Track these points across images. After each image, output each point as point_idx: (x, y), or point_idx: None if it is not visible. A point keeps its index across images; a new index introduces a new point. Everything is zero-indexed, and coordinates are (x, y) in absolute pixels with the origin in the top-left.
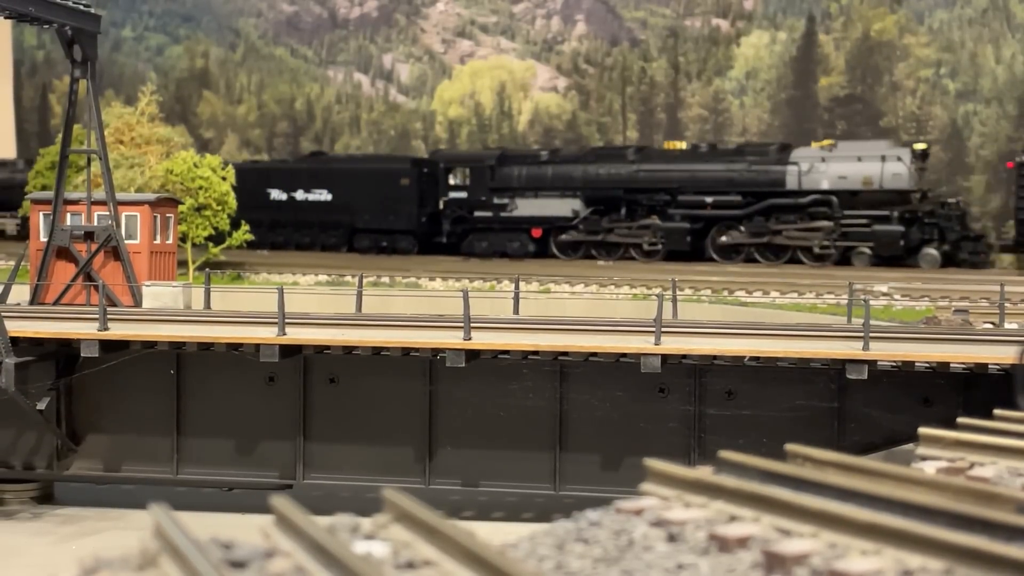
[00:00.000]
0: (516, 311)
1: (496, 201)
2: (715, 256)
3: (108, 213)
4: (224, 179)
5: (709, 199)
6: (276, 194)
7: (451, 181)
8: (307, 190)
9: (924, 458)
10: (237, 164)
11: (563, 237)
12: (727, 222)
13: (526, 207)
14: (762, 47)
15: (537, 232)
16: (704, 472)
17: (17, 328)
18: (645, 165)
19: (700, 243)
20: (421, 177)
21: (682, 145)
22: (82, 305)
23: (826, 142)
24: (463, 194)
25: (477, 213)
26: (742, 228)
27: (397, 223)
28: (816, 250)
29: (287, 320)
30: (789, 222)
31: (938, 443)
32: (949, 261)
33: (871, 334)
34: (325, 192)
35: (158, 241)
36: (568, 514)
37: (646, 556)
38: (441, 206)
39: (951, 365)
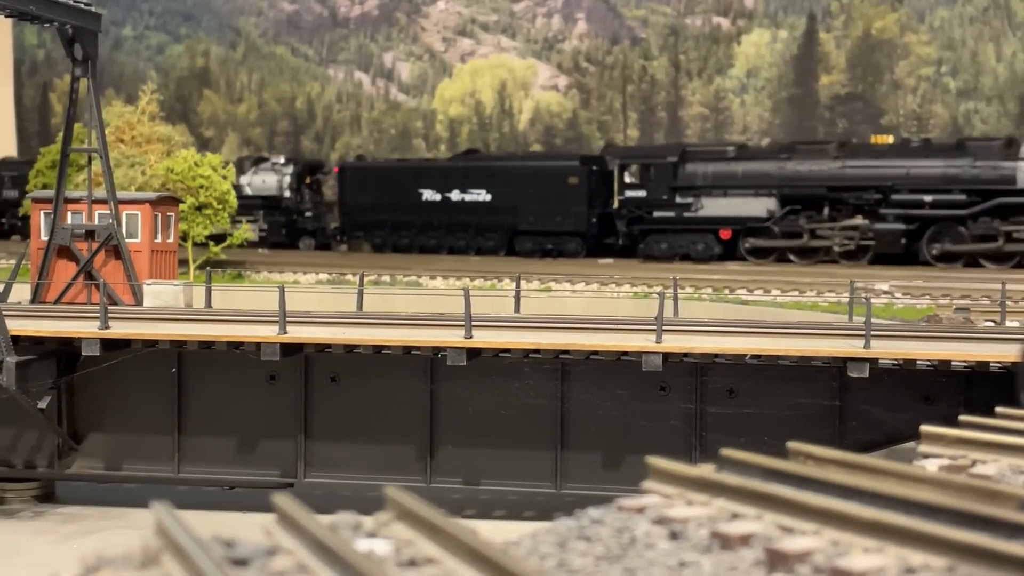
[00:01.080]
0: (517, 309)
1: (679, 200)
2: (930, 259)
3: (109, 212)
4: (225, 178)
5: (928, 198)
6: (429, 195)
7: (627, 179)
8: (463, 190)
9: (926, 456)
10: (382, 162)
11: (755, 239)
12: (947, 223)
13: (713, 206)
14: (763, 45)
15: (726, 234)
16: (706, 470)
17: (18, 327)
18: (852, 161)
19: (913, 245)
20: (591, 175)
21: (889, 139)
22: (83, 304)
23: None
24: (641, 193)
25: (657, 213)
26: (964, 229)
27: (564, 224)
28: None
29: (288, 319)
30: (1021, 223)
31: (940, 441)
32: None
33: (872, 332)
34: (483, 192)
35: (159, 240)
36: (570, 512)
37: (648, 554)
38: (615, 206)
39: (952, 363)
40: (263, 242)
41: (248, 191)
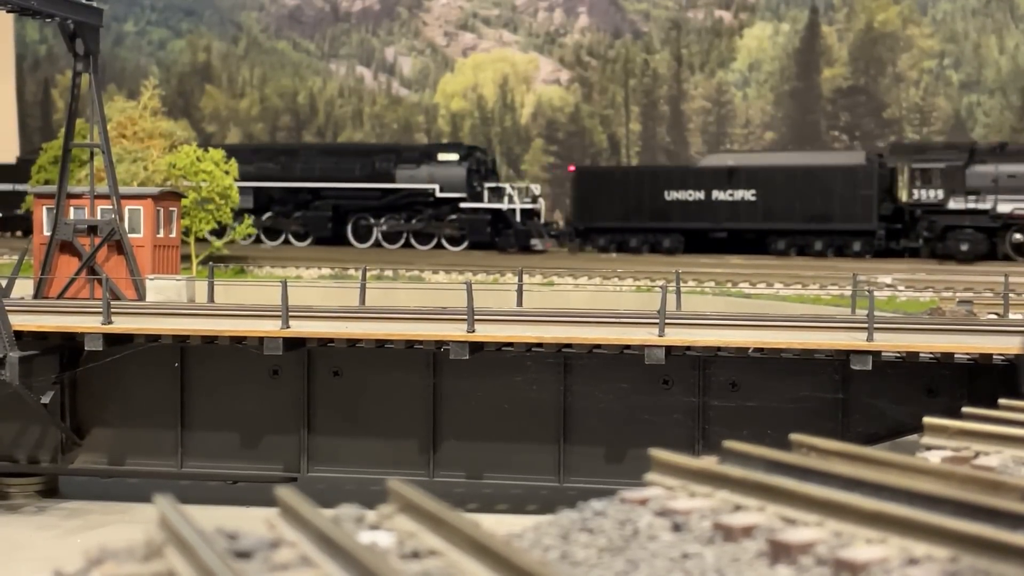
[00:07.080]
0: (519, 303)
1: None
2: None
3: (111, 207)
4: (227, 172)
5: None
6: None
7: None
8: None
9: (929, 447)
10: None
11: None
12: None
13: None
14: (765, 39)
15: None
16: (709, 462)
17: (21, 322)
18: None
19: None
20: None
21: None
22: (86, 299)
23: None
24: None
25: None
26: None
27: None
28: None
29: (291, 313)
30: None
31: (943, 432)
32: None
33: (875, 325)
34: None
35: (161, 235)
36: (573, 506)
37: (651, 545)
38: None
39: (955, 356)
40: None
41: None
